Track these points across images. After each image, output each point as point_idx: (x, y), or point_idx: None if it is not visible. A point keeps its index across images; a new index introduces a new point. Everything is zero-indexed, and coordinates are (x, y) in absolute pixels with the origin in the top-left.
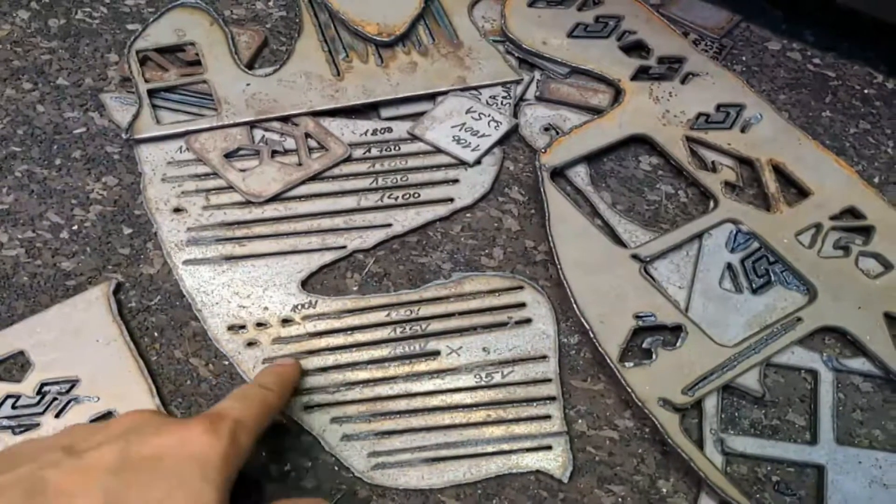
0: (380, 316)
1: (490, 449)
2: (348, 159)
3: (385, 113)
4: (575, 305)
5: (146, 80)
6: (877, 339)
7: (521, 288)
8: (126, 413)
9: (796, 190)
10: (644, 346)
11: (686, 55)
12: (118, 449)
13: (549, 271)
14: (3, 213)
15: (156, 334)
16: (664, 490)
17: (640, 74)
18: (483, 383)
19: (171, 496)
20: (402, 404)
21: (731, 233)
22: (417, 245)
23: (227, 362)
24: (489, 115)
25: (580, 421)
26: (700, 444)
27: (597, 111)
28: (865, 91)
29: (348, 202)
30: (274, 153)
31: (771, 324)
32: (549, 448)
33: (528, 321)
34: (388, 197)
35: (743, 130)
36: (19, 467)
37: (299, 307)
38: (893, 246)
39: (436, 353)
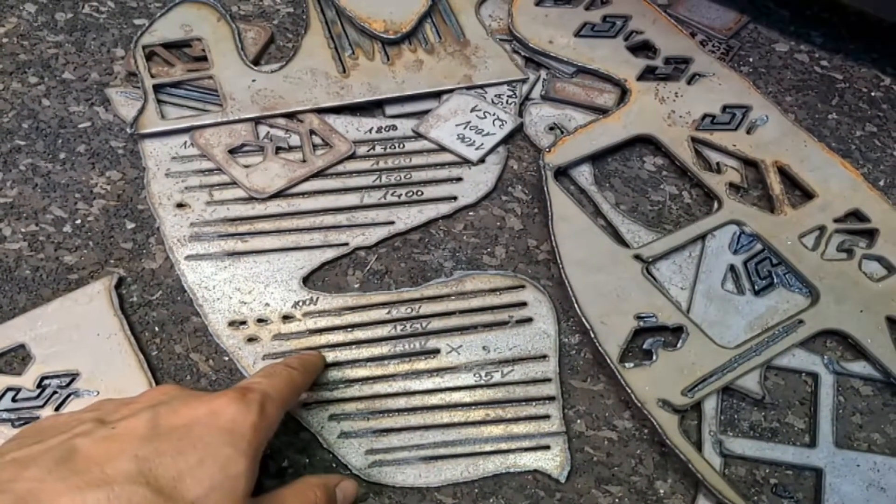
0: (380, 313)
1: (488, 448)
2: (352, 156)
3: (390, 110)
4: (576, 305)
5: (152, 76)
6: (878, 343)
7: (522, 287)
8: (154, 387)
9: (801, 192)
10: (644, 346)
11: (693, 56)
12: (148, 418)
13: (550, 270)
14: (6, 207)
15: (156, 329)
16: (662, 491)
17: (647, 75)
18: (482, 382)
19: (202, 464)
20: (401, 402)
21: (734, 234)
22: (419, 243)
23: (227, 358)
24: (494, 114)
25: (579, 421)
26: (699, 445)
27: (602, 111)
28: (872, 94)
29: (351, 199)
30: (278, 149)
31: (772, 326)
32: (547, 448)
33: (528, 320)
34: (392, 194)
35: (749, 132)
36: (50, 438)
37: (300, 304)
38: None
39: (436, 352)
